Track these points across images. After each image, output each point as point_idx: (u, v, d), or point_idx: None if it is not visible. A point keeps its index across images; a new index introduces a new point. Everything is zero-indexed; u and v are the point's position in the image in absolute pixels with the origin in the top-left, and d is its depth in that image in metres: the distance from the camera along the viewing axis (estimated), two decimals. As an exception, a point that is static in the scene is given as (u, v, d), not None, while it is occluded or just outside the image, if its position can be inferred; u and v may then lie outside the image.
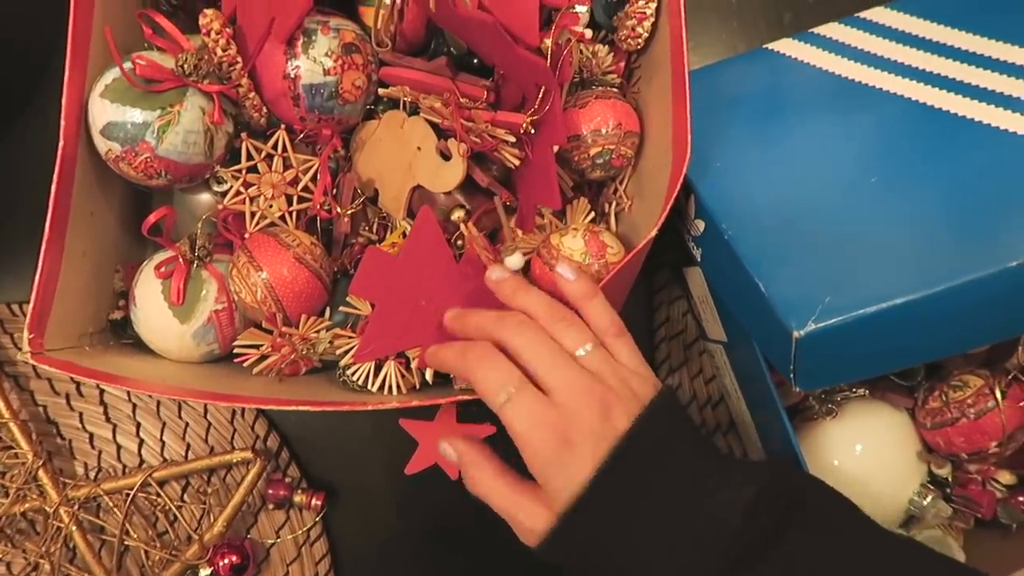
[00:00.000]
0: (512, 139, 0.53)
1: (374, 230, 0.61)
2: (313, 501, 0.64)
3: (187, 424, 0.66)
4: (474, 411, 0.66)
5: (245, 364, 0.55)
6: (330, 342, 0.55)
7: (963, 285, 0.42)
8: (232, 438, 0.66)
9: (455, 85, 0.55)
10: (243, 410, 0.66)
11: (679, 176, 0.49)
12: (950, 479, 0.58)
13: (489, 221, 0.59)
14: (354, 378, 0.54)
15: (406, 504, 0.67)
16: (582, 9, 0.59)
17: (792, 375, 0.45)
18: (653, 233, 0.49)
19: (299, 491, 0.64)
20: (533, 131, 0.54)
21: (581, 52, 0.58)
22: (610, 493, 0.39)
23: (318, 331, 0.55)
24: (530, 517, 0.42)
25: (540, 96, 0.53)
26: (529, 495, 0.42)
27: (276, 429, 0.67)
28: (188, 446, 0.66)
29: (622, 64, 0.60)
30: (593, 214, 0.59)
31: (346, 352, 0.55)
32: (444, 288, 0.56)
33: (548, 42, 0.55)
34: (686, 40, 0.51)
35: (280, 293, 0.53)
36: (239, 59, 0.53)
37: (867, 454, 0.57)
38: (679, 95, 0.51)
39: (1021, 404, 0.54)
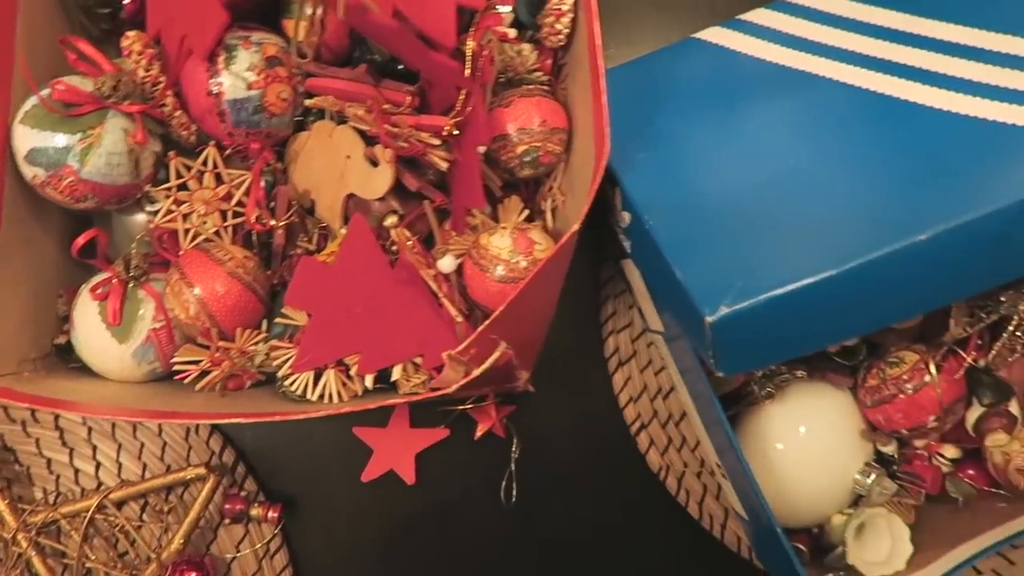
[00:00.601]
0: (437, 142, 0.54)
1: (314, 240, 0.61)
2: (270, 513, 0.64)
3: (143, 444, 0.66)
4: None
5: (186, 381, 0.55)
6: (267, 354, 0.55)
7: (873, 261, 0.43)
8: (188, 455, 0.66)
9: (378, 92, 0.55)
10: (197, 427, 0.66)
11: (600, 170, 0.49)
12: (896, 456, 0.58)
13: (424, 225, 0.59)
14: (292, 388, 0.54)
15: (366, 512, 0.68)
16: (505, 9, 0.59)
17: (712, 359, 0.45)
18: (576, 227, 0.49)
19: (256, 504, 0.64)
20: (457, 133, 0.54)
21: (506, 51, 0.58)
22: None
23: (255, 344, 0.55)
24: None
25: (462, 98, 0.53)
26: None
27: (232, 444, 0.67)
28: (145, 466, 0.66)
29: (549, 62, 0.61)
30: (528, 212, 0.59)
31: (284, 363, 0.55)
32: (380, 294, 0.57)
33: (471, 43, 0.55)
34: (599, 33, 0.51)
35: (213, 309, 0.53)
36: (162, 79, 0.54)
37: (811, 436, 0.57)
38: (596, 89, 0.51)
39: (956, 377, 0.54)
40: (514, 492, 0.67)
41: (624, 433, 0.67)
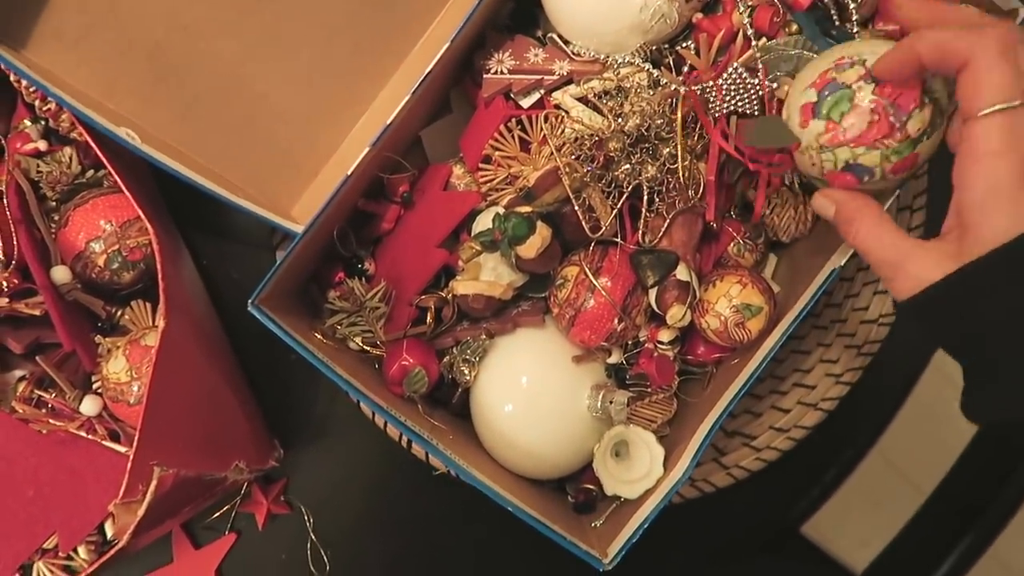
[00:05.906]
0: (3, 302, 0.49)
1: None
2: None
3: None
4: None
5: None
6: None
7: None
8: None
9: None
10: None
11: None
12: (624, 362, 0.55)
13: (65, 373, 0.55)
14: (-5, 607, 0.51)
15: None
16: (29, 123, 0.54)
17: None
18: (162, 325, 0.45)
19: None
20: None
21: (43, 169, 0.53)
22: None
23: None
24: (921, 265, 0.37)
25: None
26: (923, 244, 0.38)
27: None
28: None
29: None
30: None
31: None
32: (44, 466, 0.53)
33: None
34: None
35: None
36: None
37: (533, 384, 0.53)
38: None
39: (619, 270, 0.50)
40: (325, 559, 0.64)
41: (399, 445, 0.64)
